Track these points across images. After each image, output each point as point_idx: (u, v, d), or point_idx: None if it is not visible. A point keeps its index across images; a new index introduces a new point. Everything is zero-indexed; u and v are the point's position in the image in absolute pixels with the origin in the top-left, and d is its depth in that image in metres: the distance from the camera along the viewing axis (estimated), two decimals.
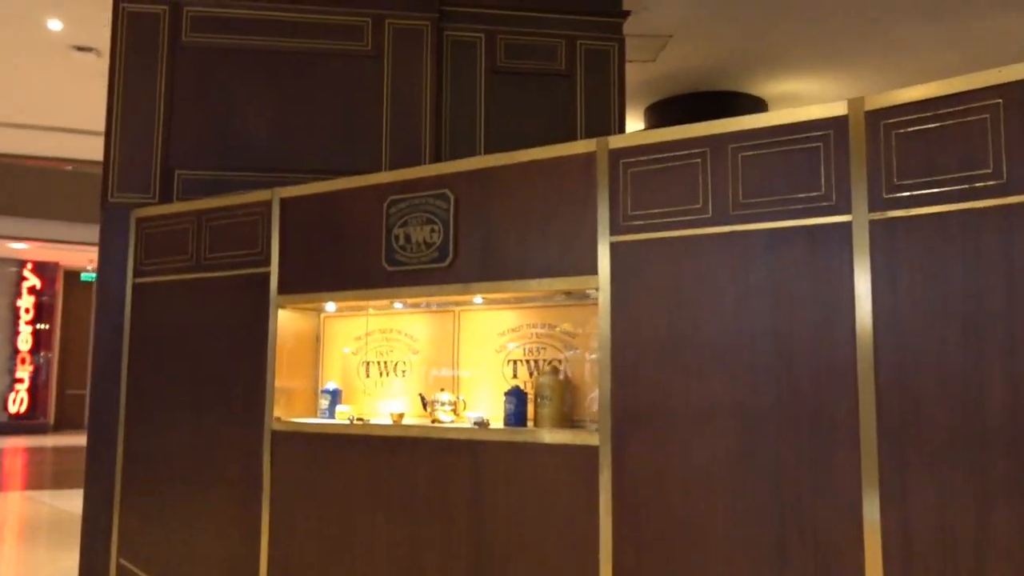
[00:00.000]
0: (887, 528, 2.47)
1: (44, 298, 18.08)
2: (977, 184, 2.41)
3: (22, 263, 17.70)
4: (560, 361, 3.45)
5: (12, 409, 17.14)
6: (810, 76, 7.66)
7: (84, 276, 18.91)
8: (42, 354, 17.85)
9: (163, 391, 4.20)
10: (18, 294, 17.57)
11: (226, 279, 4.05)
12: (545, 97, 5.03)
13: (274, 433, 3.77)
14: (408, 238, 3.47)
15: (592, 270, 3.06)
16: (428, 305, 3.75)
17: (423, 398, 3.62)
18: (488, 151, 4.92)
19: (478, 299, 3.49)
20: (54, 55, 7.00)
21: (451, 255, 3.37)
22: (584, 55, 5.06)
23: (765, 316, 2.73)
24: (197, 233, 4.17)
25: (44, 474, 11.23)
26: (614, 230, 3.03)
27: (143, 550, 4.13)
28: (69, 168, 13.75)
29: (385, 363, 3.91)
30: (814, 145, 2.70)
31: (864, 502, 2.51)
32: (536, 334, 3.53)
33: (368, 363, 3.96)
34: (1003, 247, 2.36)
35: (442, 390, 3.61)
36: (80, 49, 6.80)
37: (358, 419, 3.68)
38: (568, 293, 3.31)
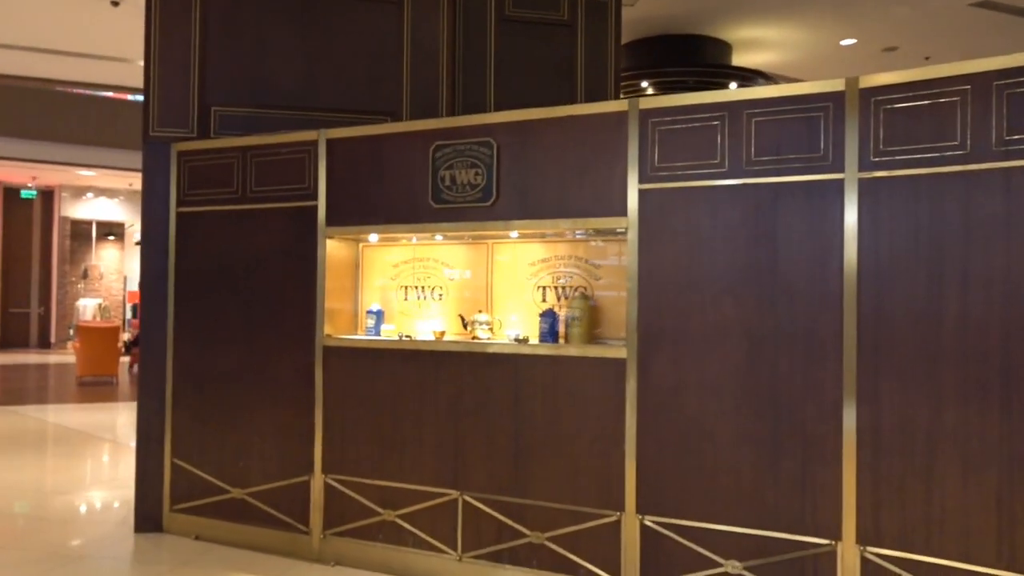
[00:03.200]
0: (861, 424, 3.17)
1: None
2: (945, 153, 3.04)
3: None
4: (586, 288, 4.03)
5: None
6: (770, 23, 8.22)
7: (24, 193, 18.58)
8: None
9: (211, 312, 4.65)
10: None
11: (273, 211, 4.48)
12: (549, 45, 5.48)
13: (326, 348, 4.28)
14: (453, 179, 3.96)
15: (622, 212, 3.63)
16: (465, 237, 4.27)
17: (463, 318, 4.17)
18: (498, 96, 5.38)
19: (514, 234, 4.02)
20: None
21: (494, 195, 3.89)
22: (584, 5, 5.50)
23: (770, 255, 3.36)
24: (242, 167, 4.56)
25: (16, 390, 11.44)
26: (642, 179, 3.59)
27: (198, 452, 4.64)
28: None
29: (423, 288, 4.44)
30: (816, 114, 3.28)
31: (844, 404, 3.20)
32: (563, 264, 4.10)
33: (407, 287, 4.47)
34: (961, 205, 3.01)
35: (479, 311, 4.17)
36: None
37: (406, 336, 4.21)
38: (597, 231, 3.87)
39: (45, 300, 19.00)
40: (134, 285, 20.32)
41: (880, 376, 3.15)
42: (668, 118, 3.56)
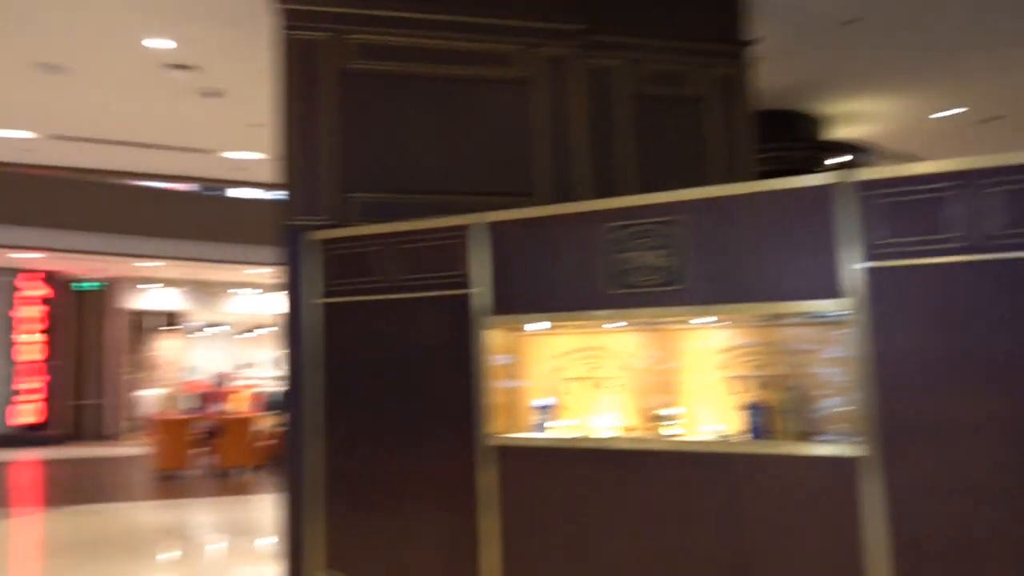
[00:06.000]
0: None
1: (56, 308, 17.84)
2: None
3: (15, 273, 17.20)
4: (792, 377, 3.65)
5: (28, 419, 16.88)
6: (867, 96, 7.98)
7: (86, 285, 18.67)
8: (55, 363, 17.59)
9: (361, 408, 4.31)
10: (13, 304, 17.18)
11: (426, 299, 4.18)
12: (681, 121, 5.25)
13: (490, 448, 3.92)
14: (633, 263, 3.66)
15: (837, 293, 3.27)
16: (641, 324, 3.93)
17: (650, 412, 3.80)
18: (634, 173, 5.14)
19: (703, 319, 3.69)
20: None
21: (682, 279, 3.56)
22: (719, 80, 5.29)
23: None
24: (390, 255, 4.29)
25: (94, 487, 11.14)
26: (865, 256, 3.24)
27: (350, 560, 4.25)
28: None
29: (594, 379, 4.09)
30: None
31: None
32: (761, 352, 3.74)
33: (574, 379, 4.13)
34: None
35: (667, 405, 3.80)
36: (176, 67, 6.86)
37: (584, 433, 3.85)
38: (802, 315, 3.51)
39: (108, 392, 18.89)
40: (194, 375, 20.21)
41: None
42: (887, 190, 3.24)
